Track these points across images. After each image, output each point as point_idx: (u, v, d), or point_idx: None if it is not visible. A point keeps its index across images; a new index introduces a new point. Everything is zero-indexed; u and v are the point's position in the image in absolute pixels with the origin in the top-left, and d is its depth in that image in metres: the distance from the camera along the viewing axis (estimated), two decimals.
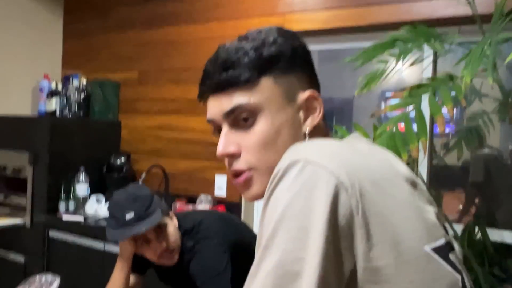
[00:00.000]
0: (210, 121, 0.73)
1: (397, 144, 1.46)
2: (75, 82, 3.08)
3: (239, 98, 0.67)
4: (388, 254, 0.56)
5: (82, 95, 3.04)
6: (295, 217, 0.54)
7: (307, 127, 0.69)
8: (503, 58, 1.36)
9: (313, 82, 0.73)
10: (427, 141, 1.42)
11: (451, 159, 2.86)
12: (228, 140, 0.68)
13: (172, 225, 1.45)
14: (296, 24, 2.47)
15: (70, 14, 3.46)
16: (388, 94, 3.75)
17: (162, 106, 2.93)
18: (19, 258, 2.74)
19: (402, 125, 1.51)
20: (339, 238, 0.54)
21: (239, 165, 0.68)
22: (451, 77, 1.46)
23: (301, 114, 0.69)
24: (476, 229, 1.83)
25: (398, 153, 1.46)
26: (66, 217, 2.62)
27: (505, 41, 1.26)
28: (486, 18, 1.54)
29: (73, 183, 2.73)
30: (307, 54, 0.73)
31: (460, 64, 1.30)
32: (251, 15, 2.62)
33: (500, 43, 1.25)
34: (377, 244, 0.55)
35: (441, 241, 0.63)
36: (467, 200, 2.97)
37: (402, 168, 0.68)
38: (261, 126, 0.67)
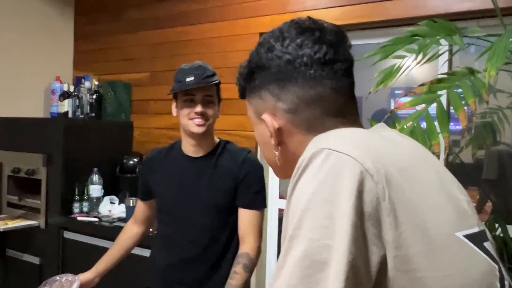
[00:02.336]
0: None
1: (419, 140, 1.44)
2: (87, 84, 3.09)
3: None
4: (418, 241, 0.55)
5: (94, 97, 3.05)
6: (320, 206, 0.54)
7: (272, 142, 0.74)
8: None
9: (280, 97, 0.71)
10: (448, 137, 1.40)
11: (464, 156, 2.83)
12: None
13: (217, 109, 1.66)
14: None
15: (81, 16, 3.48)
16: (398, 92, 3.71)
17: None
18: (34, 260, 2.75)
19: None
20: (366, 225, 0.53)
21: None
22: (471, 71, 1.44)
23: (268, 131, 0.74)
24: (496, 225, 1.81)
25: None
26: (80, 218, 2.63)
27: None
28: (505, 11, 1.52)
29: (87, 184, 2.74)
30: (271, 68, 0.71)
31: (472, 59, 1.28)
32: (262, 14, 2.61)
33: None
34: (406, 231, 0.54)
35: (474, 229, 0.62)
36: (481, 197, 2.93)
37: (430, 156, 0.67)
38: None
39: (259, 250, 1.57)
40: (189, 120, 1.58)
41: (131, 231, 1.79)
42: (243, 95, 0.79)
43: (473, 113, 1.43)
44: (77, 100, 3.07)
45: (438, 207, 0.59)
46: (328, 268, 0.52)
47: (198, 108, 1.57)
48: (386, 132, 0.71)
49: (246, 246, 1.53)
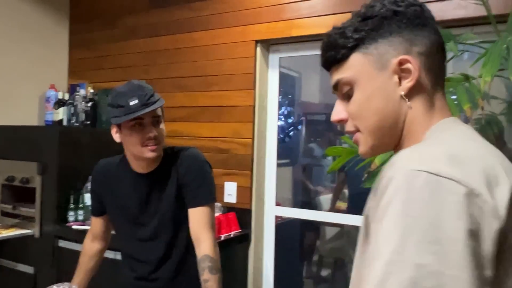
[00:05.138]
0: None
1: None
2: (81, 92, 3.09)
3: (337, 75, 0.76)
4: None
5: (89, 104, 3.04)
6: (426, 230, 0.53)
7: (401, 91, 0.72)
8: None
9: (414, 41, 0.72)
10: None
11: None
12: (337, 109, 0.78)
13: (164, 126, 1.56)
14: (304, 29, 2.48)
15: (76, 23, 3.48)
16: None
17: (170, 113, 2.90)
18: (29, 269, 2.72)
19: None
20: (479, 245, 0.53)
21: (348, 128, 0.78)
22: (466, 77, 1.45)
23: (395, 78, 0.72)
24: None
25: None
26: (75, 227, 2.61)
27: None
28: (499, 18, 1.54)
29: (82, 192, 2.72)
30: (403, 16, 0.73)
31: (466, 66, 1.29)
32: (258, 22, 2.62)
33: None
34: None
35: None
36: None
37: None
38: (357, 96, 0.74)
39: (216, 246, 1.52)
40: (142, 147, 1.49)
41: (91, 250, 1.75)
42: (345, 54, 0.74)
43: (468, 119, 1.44)
44: (72, 108, 3.06)
45: None
46: None
47: (151, 133, 1.48)
48: (469, 131, 0.72)
49: (204, 247, 1.48)
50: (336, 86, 0.77)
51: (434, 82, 0.73)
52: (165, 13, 3.00)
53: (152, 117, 1.49)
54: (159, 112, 1.53)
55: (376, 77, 0.72)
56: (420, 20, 0.73)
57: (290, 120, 4.22)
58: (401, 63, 0.71)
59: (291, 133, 4.23)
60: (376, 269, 0.54)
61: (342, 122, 0.78)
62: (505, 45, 1.18)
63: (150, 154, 1.49)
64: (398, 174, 0.58)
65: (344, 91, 0.75)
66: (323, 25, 2.41)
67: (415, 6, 0.73)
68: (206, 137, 2.79)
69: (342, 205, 3.41)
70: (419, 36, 0.72)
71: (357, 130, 0.75)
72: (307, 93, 4.28)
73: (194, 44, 2.87)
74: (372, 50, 0.72)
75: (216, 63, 2.77)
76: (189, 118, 2.87)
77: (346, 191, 3.46)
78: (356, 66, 0.73)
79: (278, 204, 2.76)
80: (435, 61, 0.73)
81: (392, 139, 0.74)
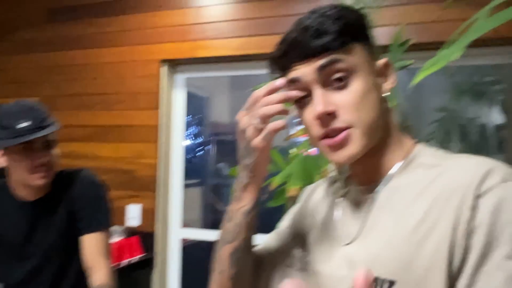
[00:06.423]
0: (294, 80, 0.68)
1: (310, 166, 1.51)
2: None
3: (336, 56, 0.66)
4: None
5: None
6: None
7: (385, 92, 0.70)
8: (401, 84, 1.47)
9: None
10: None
11: None
12: (324, 99, 0.66)
13: (57, 150, 1.44)
14: (209, 50, 2.50)
15: None
16: (295, 120, 3.90)
17: (68, 133, 2.75)
18: None
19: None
20: None
21: (338, 123, 0.66)
22: None
23: (380, 80, 0.70)
24: None
25: (311, 175, 1.50)
26: None
27: (402, 68, 1.37)
28: (384, 49, 1.67)
29: None
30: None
31: None
32: (163, 41, 2.60)
33: (398, 70, 1.36)
34: None
35: None
36: None
37: None
38: (357, 86, 0.66)
39: (111, 275, 1.42)
40: (32, 174, 1.36)
41: None
42: (356, 35, 0.67)
43: None
44: None
45: None
46: None
47: (42, 159, 1.36)
48: None
49: (99, 276, 1.37)
50: (325, 66, 0.65)
51: None
52: (64, 27, 2.85)
53: (44, 141, 1.37)
54: (52, 136, 1.41)
55: (371, 72, 0.68)
56: None
57: (199, 140, 4.21)
58: (387, 64, 0.71)
59: (199, 153, 4.21)
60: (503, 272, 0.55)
61: (331, 115, 0.66)
62: None
63: (40, 182, 1.37)
64: (505, 172, 0.60)
65: (336, 77, 0.66)
66: (228, 47, 2.46)
67: None
68: (108, 157, 2.67)
69: None
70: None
71: (349, 126, 0.66)
72: (216, 114, 4.31)
73: (96, 61, 2.75)
74: (367, 45, 0.69)
75: (120, 82, 2.68)
76: (89, 138, 2.73)
77: None
78: (358, 54, 0.67)
79: (185, 225, 2.71)
80: None
81: (376, 141, 0.69)
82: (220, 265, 0.79)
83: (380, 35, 1.75)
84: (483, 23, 0.70)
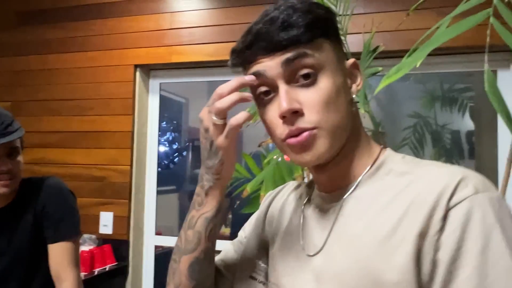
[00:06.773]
0: (257, 74, 0.63)
1: (283, 172, 1.51)
2: None
3: (304, 50, 0.61)
4: None
5: None
6: None
7: (353, 94, 0.66)
8: (372, 90, 1.49)
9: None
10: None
11: None
12: (290, 97, 0.61)
13: (22, 158, 1.42)
14: (184, 56, 2.48)
15: None
16: None
17: (39, 139, 2.69)
18: None
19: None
20: None
21: (303, 124, 0.61)
22: None
23: (348, 80, 0.66)
24: None
25: (284, 180, 1.50)
26: None
27: (372, 75, 1.39)
28: (355, 56, 1.69)
29: None
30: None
31: None
32: (138, 46, 2.57)
33: (368, 77, 1.38)
34: None
35: None
36: None
37: None
38: (325, 84, 0.62)
39: (81, 284, 1.40)
40: None
41: None
42: (325, 31, 0.64)
43: None
44: None
45: None
46: None
47: (4, 166, 1.33)
48: None
49: (64, 287, 1.35)
50: (292, 60, 0.61)
51: None
52: (35, 31, 2.79)
53: (8, 148, 1.35)
54: (16, 143, 1.37)
55: (339, 71, 0.64)
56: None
57: (175, 146, 4.17)
58: (354, 65, 0.67)
59: (176, 159, 4.17)
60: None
61: (296, 114, 0.61)
62: None
63: (2, 190, 1.34)
64: (488, 188, 0.58)
65: (303, 73, 0.61)
66: (203, 53, 2.45)
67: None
68: (80, 164, 2.61)
69: (226, 231, 3.42)
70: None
71: (315, 127, 0.61)
72: (194, 119, 4.28)
73: (68, 65, 2.70)
74: (334, 42, 0.65)
75: (93, 87, 2.64)
76: (61, 144, 2.67)
77: (230, 216, 3.49)
78: (327, 51, 0.63)
79: (159, 233, 2.67)
80: None
81: (342, 145, 0.65)
82: (177, 278, 0.73)
83: (351, 42, 1.78)
84: (443, 32, 0.71)
